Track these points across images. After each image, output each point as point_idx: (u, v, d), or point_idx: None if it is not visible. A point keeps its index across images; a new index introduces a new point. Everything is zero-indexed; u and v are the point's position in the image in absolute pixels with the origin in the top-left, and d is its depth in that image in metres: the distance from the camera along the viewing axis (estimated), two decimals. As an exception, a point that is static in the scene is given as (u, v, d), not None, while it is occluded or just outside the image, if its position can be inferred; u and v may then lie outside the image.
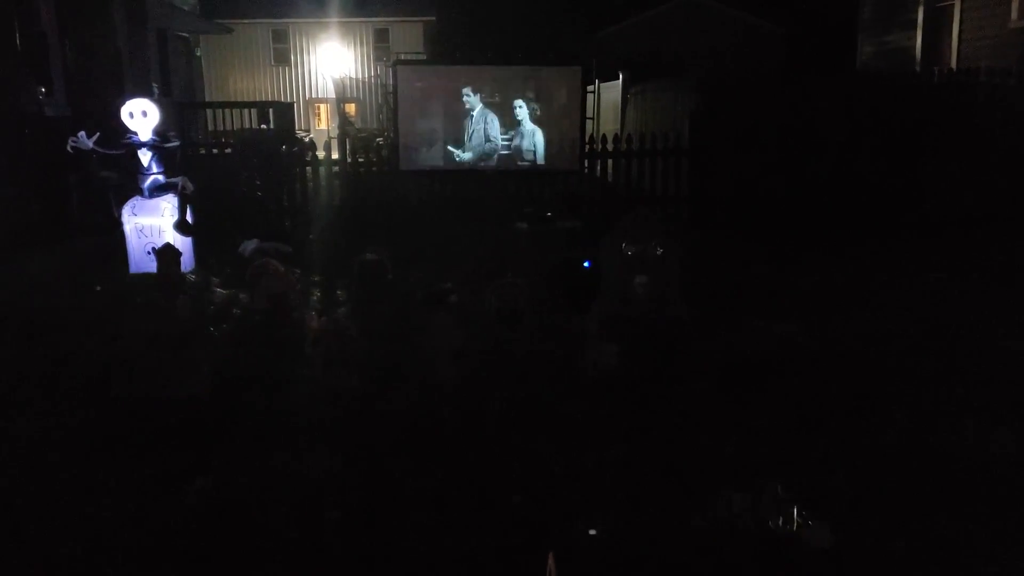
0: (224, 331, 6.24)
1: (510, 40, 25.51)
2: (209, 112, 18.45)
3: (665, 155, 10.97)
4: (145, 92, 13.98)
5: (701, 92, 11.01)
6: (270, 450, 4.29)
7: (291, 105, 21.10)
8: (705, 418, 4.61)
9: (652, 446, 4.29)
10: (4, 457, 4.30)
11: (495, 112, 11.37)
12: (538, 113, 11.41)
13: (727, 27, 27.86)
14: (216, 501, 3.76)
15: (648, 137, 11.16)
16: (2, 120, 10.03)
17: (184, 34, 21.56)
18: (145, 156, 8.00)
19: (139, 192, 8.06)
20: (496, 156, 11.46)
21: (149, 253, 7.76)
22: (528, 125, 11.41)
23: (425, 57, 25.73)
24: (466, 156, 11.35)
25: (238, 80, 30.28)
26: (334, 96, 30.07)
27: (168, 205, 8.05)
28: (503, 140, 11.40)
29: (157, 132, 8.06)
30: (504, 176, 11.38)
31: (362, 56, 31.14)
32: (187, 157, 9.76)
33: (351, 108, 30.20)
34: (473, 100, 11.32)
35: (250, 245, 8.73)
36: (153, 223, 8.05)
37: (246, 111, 18.53)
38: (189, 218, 8.10)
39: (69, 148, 7.86)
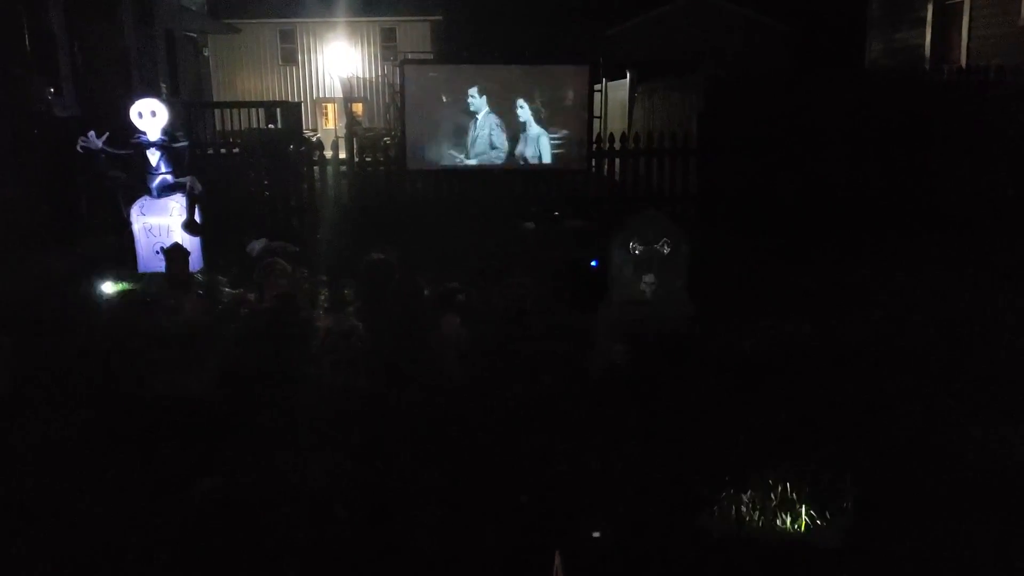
0: (232, 330, 6.25)
1: (517, 39, 25.53)
2: (217, 112, 18.51)
3: (673, 154, 10.95)
4: (153, 92, 14.03)
5: (709, 91, 10.98)
6: (278, 449, 4.30)
7: (298, 105, 21.14)
8: (713, 418, 4.60)
9: (660, 445, 4.28)
10: (13, 455, 4.31)
11: (501, 113, 11.35)
12: (543, 113, 11.39)
13: (735, 26, 27.78)
14: (224, 500, 3.76)
15: (655, 136, 11.13)
16: (11, 120, 10.06)
17: (192, 34, 21.63)
18: (154, 156, 8.03)
19: (148, 192, 8.09)
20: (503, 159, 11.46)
21: (158, 253, 7.79)
22: (533, 128, 11.39)
23: (432, 56, 25.76)
24: (470, 162, 11.34)
25: (246, 80, 30.36)
26: (341, 96, 30.13)
27: (177, 205, 8.08)
28: (508, 143, 11.38)
29: (166, 132, 8.09)
30: (511, 175, 11.36)
31: (369, 55, 31.18)
32: (195, 157, 9.77)
33: (358, 108, 30.26)
34: (478, 103, 11.30)
35: (258, 245, 8.75)
36: (162, 223, 8.07)
37: (254, 111, 18.58)
38: (197, 218, 8.12)
39: (79, 148, 7.89)
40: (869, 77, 12.98)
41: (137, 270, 8.05)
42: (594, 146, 11.34)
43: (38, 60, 11.28)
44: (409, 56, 19.98)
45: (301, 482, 3.95)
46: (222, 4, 27.48)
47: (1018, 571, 3.26)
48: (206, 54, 24.32)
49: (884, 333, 6.07)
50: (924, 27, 14.44)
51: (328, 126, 30.13)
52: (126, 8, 15.01)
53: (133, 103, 8.12)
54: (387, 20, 30.94)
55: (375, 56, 31.06)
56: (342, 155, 11.58)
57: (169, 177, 8.09)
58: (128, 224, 8.13)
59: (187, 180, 8.08)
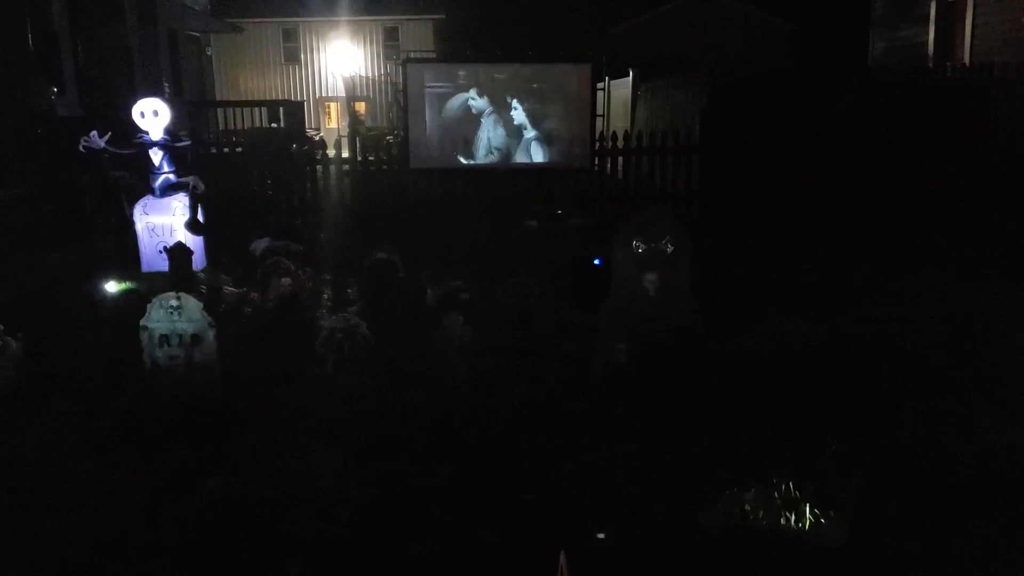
0: (235, 330, 6.25)
1: (520, 38, 25.51)
2: (220, 111, 18.52)
3: (676, 152, 10.94)
4: (156, 91, 14.03)
5: (712, 89, 10.97)
6: (282, 448, 4.30)
7: (301, 104, 21.19)
8: (717, 416, 4.60)
9: (664, 444, 4.28)
10: (17, 454, 4.32)
11: (504, 111, 11.35)
12: (546, 112, 11.39)
13: (738, 24, 27.76)
14: (228, 499, 3.77)
15: (658, 134, 11.13)
16: (15, 120, 10.08)
17: (195, 33, 21.64)
18: (156, 155, 8.04)
19: (151, 191, 8.09)
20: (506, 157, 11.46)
21: (161, 252, 7.80)
22: (536, 127, 11.40)
23: (435, 55, 25.75)
24: (473, 161, 11.33)
25: (248, 79, 30.39)
26: (344, 94, 30.15)
27: (179, 204, 8.09)
28: (511, 141, 11.38)
29: (168, 131, 8.10)
30: (514, 174, 11.37)
31: (372, 54, 31.19)
32: (198, 156, 9.79)
33: (361, 106, 30.28)
34: (480, 104, 11.30)
35: (261, 244, 8.76)
36: (165, 222, 8.08)
37: (257, 110, 18.61)
38: (200, 217, 8.12)
39: (81, 148, 7.90)
40: (872, 75, 12.95)
41: (140, 269, 8.06)
42: (597, 144, 11.35)
43: (41, 60, 11.29)
44: (412, 55, 19.98)
45: (305, 481, 3.95)
46: (225, 3, 27.50)
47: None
48: (209, 53, 24.32)
49: (887, 332, 6.06)
50: (927, 24, 14.40)
51: (331, 125, 30.16)
52: (129, 8, 15.02)
53: (136, 102, 8.13)
54: (390, 19, 30.95)
55: (378, 55, 31.07)
56: (345, 154, 11.59)
57: (172, 176, 8.10)
58: (131, 224, 8.14)
59: (190, 179, 8.09)
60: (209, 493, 3.80)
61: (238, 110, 18.00)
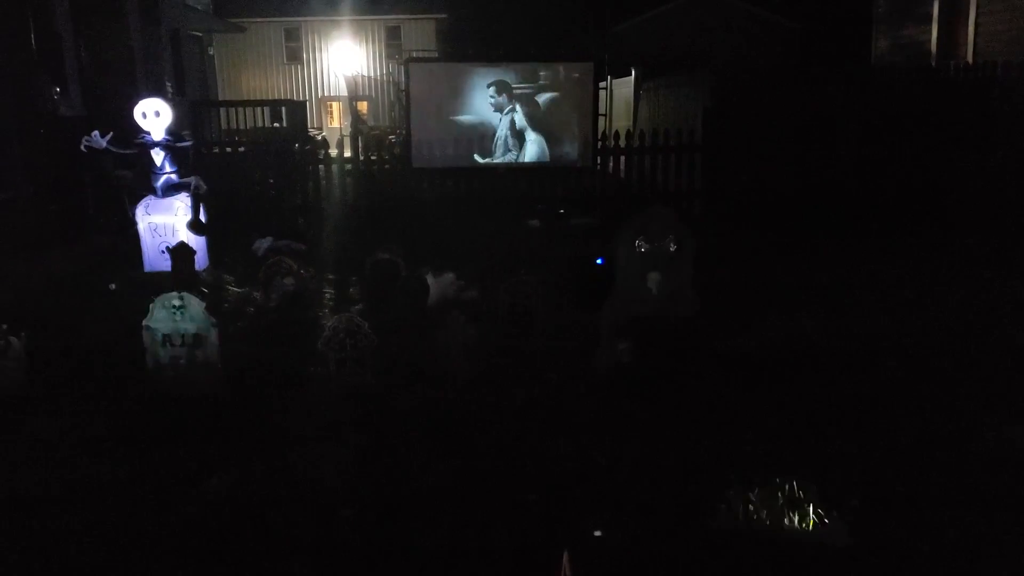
0: (238, 329, 6.26)
1: (522, 37, 25.49)
2: (222, 111, 18.52)
3: (678, 151, 10.93)
4: (159, 91, 14.05)
5: (714, 88, 10.96)
6: (284, 448, 4.30)
7: (303, 103, 21.15)
8: (721, 415, 4.59)
9: (667, 443, 4.27)
10: (20, 454, 4.32)
11: (506, 111, 11.35)
12: (548, 111, 11.38)
13: (740, 22, 27.73)
14: (230, 498, 3.76)
15: (661, 133, 11.11)
16: (18, 120, 10.09)
17: (197, 33, 21.65)
18: (158, 155, 8.04)
19: (153, 191, 8.10)
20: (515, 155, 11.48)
21: (163, 252, 7.80)
22: (538, 126, 11.40)
23: (437, 54, 25.76)
24: (476, 161, 11.32)
25: (251, 79, 30.40)
26: (346, 94, 30.17)
27: (182, 204, 8.09)
28: (513, 141, 11.39)
29: (170, 131, 8.10)
30: (516, 173, 11.36)
31: (374, 54, 31.20)
32: (200, 156, 9.79)
33: (363, 106, 30.29)
34: (501, 101, 11.31)
35: (263, 243, 8.76)
36: (167, 222, 8.08)
37: (259, 110, 18.60)
38: (202, 217, 8.13)
39: (83, 147, 7.90)
40: (875, 73, 12.92)
41: (143, 269, 8.06)
42: (599, 143, 11.33)
43: (44, 60, 11.30)
44: (414, 54, 19.98)
45: (308, 480, 3.95)
46: (227, 3, 27.50)
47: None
48: (211, 53, 24.31)
49: (891, 329, 6.05)
50: (931, 23, 14.37)
51: (333, 124, 30.17)
52: (132, 8, 15.03)
53: (138, 102, 8.13)
54: (392, 18, 30.96)
55: (380, 54, 31.08)
56: (347, 154, 11.58)
57: (174, 176, 8.10)
58: (133, 223, 8.15)
59: (192, 179, 8.09)
60: (212, 492, 3.80)
61: (240, 110, 17.99)
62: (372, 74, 30.90)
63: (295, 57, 31.22)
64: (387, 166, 11.23)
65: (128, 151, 8.08)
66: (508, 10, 29.60)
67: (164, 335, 4.89)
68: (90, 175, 9.94)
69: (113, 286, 7.58)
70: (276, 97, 27.88)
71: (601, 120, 12.41)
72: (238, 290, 7.40)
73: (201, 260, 7.95)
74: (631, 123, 15.37)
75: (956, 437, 4.31)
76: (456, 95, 11.40)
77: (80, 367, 5.50)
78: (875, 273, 7.79)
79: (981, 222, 9.41)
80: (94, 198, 10.12)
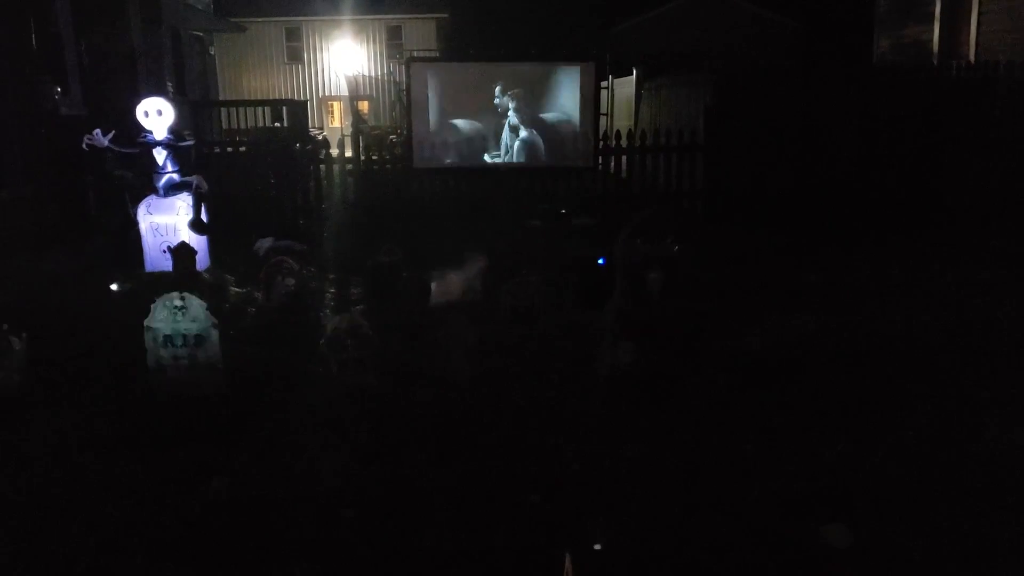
0: (239, 329, 6.25)
1: (524, 36, 25.45)
2: (223, 111, 18.52)
3: (680, 151, 10.92)
4: (159, 91, 14.04)
5: (716, 87, 10.94)
6: (285, 448, 4.30)
7: (304, 103, 21.13)
8: (722, 415, 4.58)
9: (669, 444, 4.26)
10: (21, 454, 4.31)
11: (508, 110, 11.35)
12: (550, 110, 11.37)
13: (741, 22, 27.69)
14: (232, 499, 3.76)
15: (662, 133, 11.10)
16: (19, 119, 10.09)
17: (198, 33, 21.64)
18: (160, 155, 8.03)
19: (154, 191, 8.09)
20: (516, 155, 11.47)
21: (165, 252, 7.79)
22: (539, 126, 11.39)
23: (438, 54, 25.73)
24: (477, 161, 11.32)
25: (252, 78, 30.39)
26: (347, 94, 30.15)
27: (183, 204, 8.08)
28: (514, 140, 11.38)
29: (172, 131, 8.09)
30: (517, 173, 11.35)
31: (375, 53, 31.19)
32: (201, 156, 9.78)
33: (364, 106, 30.26)
34: (502, 101, 11.31)
35: (265, 243, 8.75)
36: (168, 222, 8.07)
37: (260, 109, 18.59)
38: (204, 217, 8.12)
39: (84, 146, 7.90)
40: (877, 73, 12.90)
41: (144, 269, 8.05)
42: (601, 143, 11.32)
43: (45, 60, 11.30)
44: (415, 54, 19.96)
45: (309, 480, 3.95)
46: (228, 3, 27.50)
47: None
48: (212, 53, 24.30)
49: (894, 328, 6.04)
50: (932, 22, 14.35)
51: (334, 124, 30.15)
52: (133, 8, 15.03)
53: (139, 102, 8.13)
54: (393, 18, 30.95)
55: (381, 54, 31.06)
56: (348, 153, 11.57)
57: (175, 176, 8.09)
58: (135, 223, 8.14)
59: (193, 179, 8.08)
60: (213, 493, 3.79)
61: (241, 109, 17.98)
62: (373, 74, 30.89)
63: (296, 57, 31.21)
64: (388, 166, 11.22)
65: (130, 150, 8.07)
66: (509, 10, 29.56)
67: (165, 335, 4.89)
68: (91, 175, 9.94)
69: (115, 286, 7.58)
70: (277, 97, 27.86)
71: (602, 120, 12.38)
72: (239, 290, 7.39)
73: (202, 260, 7.94)
74: (632, 123, 15.35)
75: (958, 438, 4.30)
76: (457, 95, 11.38)
77: (81, 367, 5.50)
78: (877, 273, 7.78)
79: (983, 221, 9.40)
80: (95, 198, 10.11)
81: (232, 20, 26.33)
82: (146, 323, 4.89)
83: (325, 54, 31.10)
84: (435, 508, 3.68)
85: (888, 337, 5.86)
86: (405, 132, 12.55)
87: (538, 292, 5.89)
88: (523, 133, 11.41)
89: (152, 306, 4.90)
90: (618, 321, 5.47)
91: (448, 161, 11.32)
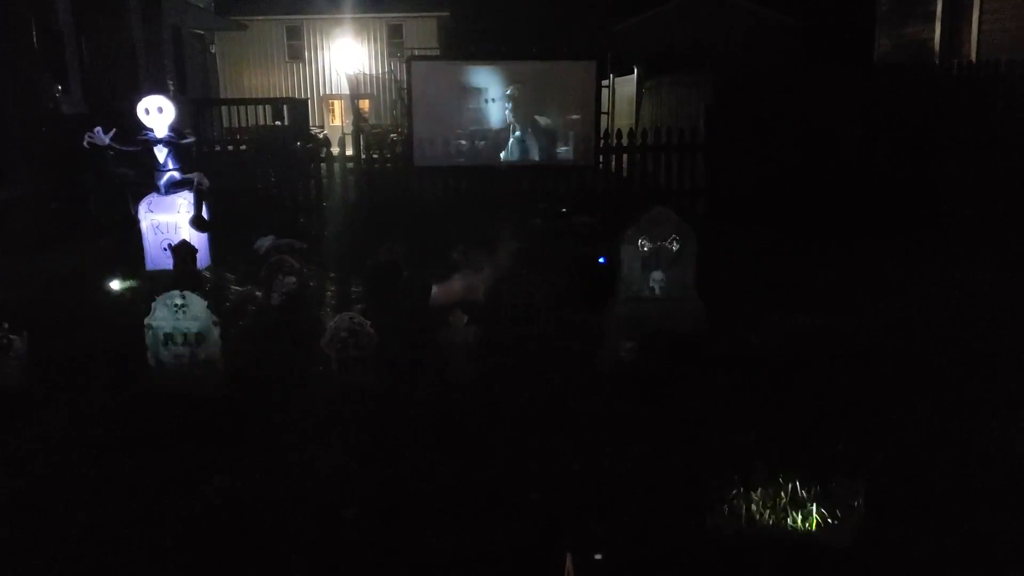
0: (240, 327, 6.25)
1: (525, 35, 25.46)
2: (224, 109, 18.52)
3: (681, 149, 10.91)
4: (160, 89, 14.03)
5: (717, 86, 10.94)
6: (286, 447, 4.29)
7: (305, 101, 21.13)
8: (724, 414, 4.58)
9: (671, 443, 4.26)
10: (22, 452, 4.32)
11: (508, 109, 11.34)
12: (551, 110, 11.37)
13: (742, 21, 27.68)
14: (232, 498, 3.76)
15: (663, 131, 11.10)
16: (20, 118, 10.09)
17: (199, 31, 21.63)
18: (161, 153, 8.04)
19: (155, 189, 8.09)
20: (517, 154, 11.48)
21: (165, 250, 7.79)
22: (540, 125, 11.39)
23: (439, 53, 25.72)
24: (478, 159, 11.32)
25: (252, 77, 30.38)
26: (348, 92, 30.15)
27: (184, 202, 8.08)
28: (515, 139, 11.39)
29: (172, 129, 8.09)
30: (518, 172, 11.35)
31: (376, 52, 31.18)
32: (202, 154, 9.78)
33: (365, 104, 30.26)
34: (503, 100, 11.30)
35: (265, 242, 8.75)
36: (169, 220, 8.08)
37: (261, 108, 18.58)
38: (205, 215, 8.12)
39: (85, 143, 7.90)
40: (878, 71, 12.90)
41: (145, 267, 8.05)
42: (602, 142, 11.32)
43: (46, 58, 11.29)
44: (416, 52, 19.95)
45: (310, 480, 3.94)
46: (229, 1, 27.48)
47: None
48: (213, 51, 24.29)
49: (895, 328, 6.03)
50: (933, 21, 14.34)
51: (335, 123, 30.15)
52: (133, 5, 15.01)
53: (140, 100, 8.12)
54: (394, 16, 30.93)
55: (382, 53, 31.05)
56: (349, 152, 11.57)
57: (176, 174, 8.10)
58: (136, 221, 8.14)
59: (194, 177, 8.08)
60: (214, 491, 3.79)
61: (242, 108, 17.97)
62: (374, 72, 30.88)
63: (297, 55, 31.20)
64: (389, 165, 11.22)
65: (131, 148, 8.08)
66: (510, 8, 29.54)
67: (166, 333, 4.89)
68: (92, 173, 9.94)
69: (115, 284, 7.57)
70: (278, 95, 27.86)
71: (603, 118, 12.39)
72: (240, 288, 7.39)
73: (203, 258, 7.94)
74: (633, 121, 15.35)
75: (962, 434, 4.30)
76: (458, 93, 11.38)
77: (81, 365, 5.49)
78: (878, 272, 7.78)
79: (984, 220, 9.39)
80: (96, 196, 10.11)
81: (233, 18, 26.31)
82: (147, 321, 4.89)
83: (326, 52, 31.09)
84: (435, 506, 3.68)
85: (888, 336, 5.85)
86: (406, 131, 12.55)
87: (539, 291, 5.90)
88: (524, 132, 11.41)
89: (153, 304, 4.90)
90: (619, 319, 5.47)
91: (448, 160, 11.31)
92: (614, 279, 5.74)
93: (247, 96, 25.38)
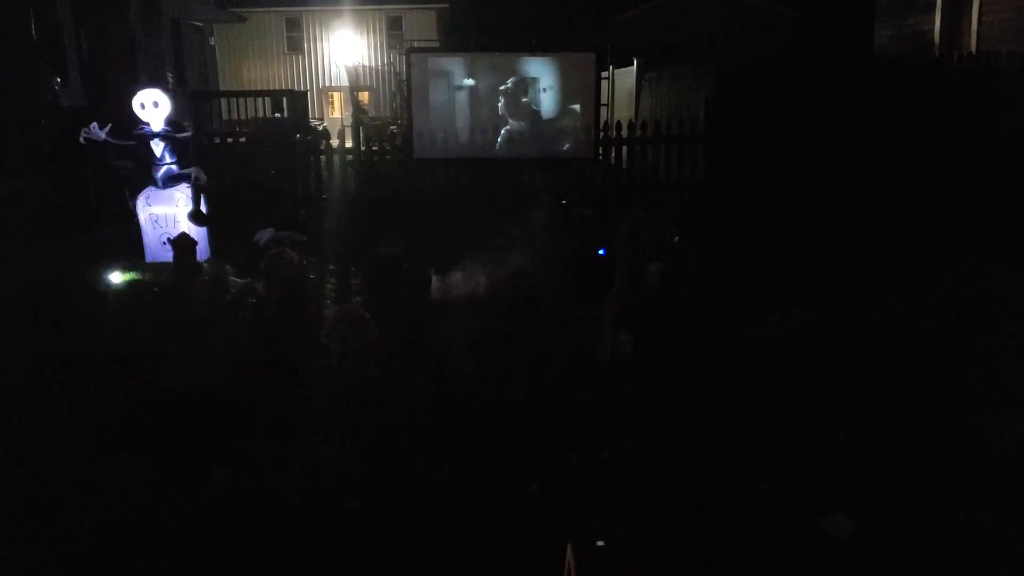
0: (239, 320, 6.26)
1: (524, 26, 25.37)
2: (223, 101, 18.47)
3: (681, 141, 10.90)
4: (159, 81, 14.02)
5: (716, 78, 10.92)
6: (286, 440, 4.30)
7: (304, 94, 21.08)
8: (722, 407, 4.58)
9: (669, 435, 4.27)
10: (22, 447, 4.32)
11: (508, 101, 11.32)
12: (550, 101, 11.35)
13: (742, 12, 27.58)
14: (232, 491, 3.77)
15: (663, 123, 11.08)
16: (19, 111, 10.07)
17: (198, 23, 21.58)
18: (158, 146, 8.03)
19: (153, 182, 8.08)
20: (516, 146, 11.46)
21: (164, 243, 7.80)
22: (540, 116, 11.37)
23: (438, 45, 25.65)
24: (477, 151, 11.31)
25: (252, 69, 30.31)
26: (347, 84, 30.06)
27: (182, 195, 8.08)
28: (515, 131, 11.38)
29: (169, 122, 8.08)
30: (518, 164, 11.33)
31: (375, 44, 31.09)
32: (201, 147, 9.76)
33: (364, 96, 30.18)
34: (502, 91, 11.30)
35: (265, 234, 8.74)
36: (168, 213, 8.07)
37: (260, 100, 18.54)
38: (204, 208, 8.11)
39: (81, 139, 7.89)
40: (878, 63, 12.87)
41: (144, 260, 8.05)
42: (601, 134, 11.30)
43: (45, 50, 11.27)
44: (415, 44, 19.88)
45: (310, 472, 3.95)
46: (228, -7, 27.41)
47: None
48: (212, 43, 24.25)
49: (895, 323, 6.03)
50: (933, 13, 14.30)
51: (334, 115, 30.09)
52: (132, -2, 14.99)
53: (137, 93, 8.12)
54: (393, 8, 30.84)
55: (381, 44, 30.96)
56: (348, 144, 11.56)
57: (174, 167, 8.09)
58: (134, 214, 8.14)
59: (192, 170, 8.08)
60: (213, 485, 3.80)
61: (241, 100, 17.93)
62: (373, 64, 30.80)
63: (296, 47, 31.12)
64: (388, 157, 11.21)
65: (128, 142, 8.07)
66: (510, 0, 29.47)
67: (166, 326, 4.89)
68: (91, 166, 9.93)
69: (115, 277, 7.58)
70: (277, 87, 27.77)
71: (603, 110, 12.36)
72: (240, 281, 7.39)
73: (203, 251, 7.94)
74: (633, 113, 15.32)
75: (961, 430, 4.30)
76: (457, 85, 11.36)
77: (80, 357, 5.50)
78: (878, 266, 7.77)
79: (985, 213, 9.38)
80: (95, 189, 10.10)
81: (232, 10, 26.25)
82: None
83: (325, 44, 31.01)
84: (436, 498, 3.69)
85: (888, 331, 5.85)
86: (405, 123, 12.53)
87: (538, 283, 5.89)
88: (523, 124, 11.39)
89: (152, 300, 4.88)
90: (618, 312, 5.47)
91: (448, 152, 11.30)
92: (613, 271, 5.73)
93: (246, 88, 25.34)
